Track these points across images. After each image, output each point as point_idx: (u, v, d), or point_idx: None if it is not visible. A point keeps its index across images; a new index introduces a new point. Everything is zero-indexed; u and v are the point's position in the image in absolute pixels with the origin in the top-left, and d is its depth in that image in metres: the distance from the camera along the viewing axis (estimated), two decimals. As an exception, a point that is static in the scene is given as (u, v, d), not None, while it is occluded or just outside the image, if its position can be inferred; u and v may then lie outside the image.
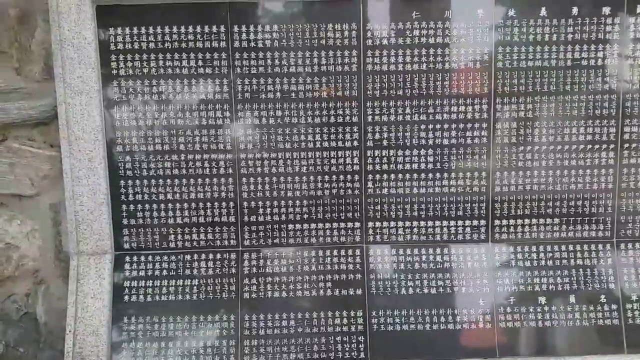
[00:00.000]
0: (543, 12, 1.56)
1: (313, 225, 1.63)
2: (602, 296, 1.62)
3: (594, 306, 1.61)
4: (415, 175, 1.61)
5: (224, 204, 1.62)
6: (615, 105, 1.59)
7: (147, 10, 1.55)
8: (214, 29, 1.57)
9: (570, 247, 1.63)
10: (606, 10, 1.56)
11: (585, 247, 1.63)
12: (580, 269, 1.63)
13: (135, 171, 1.60)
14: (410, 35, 1.56)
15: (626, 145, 1.60)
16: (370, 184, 1.62)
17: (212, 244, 1.63)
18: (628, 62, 1.57)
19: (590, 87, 1.58)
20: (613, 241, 1.63)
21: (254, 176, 1.61)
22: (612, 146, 1.61)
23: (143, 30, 1.56)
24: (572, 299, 1.61)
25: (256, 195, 1.62)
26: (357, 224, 1.63)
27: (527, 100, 1.59)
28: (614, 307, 1.61)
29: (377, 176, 1.61)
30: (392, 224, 1.63)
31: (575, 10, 1.55)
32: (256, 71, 1.58)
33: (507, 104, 1.59)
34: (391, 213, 1.63)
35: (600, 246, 1.63)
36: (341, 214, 1.62)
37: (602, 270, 1.62)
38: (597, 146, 1.60)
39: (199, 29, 1.56)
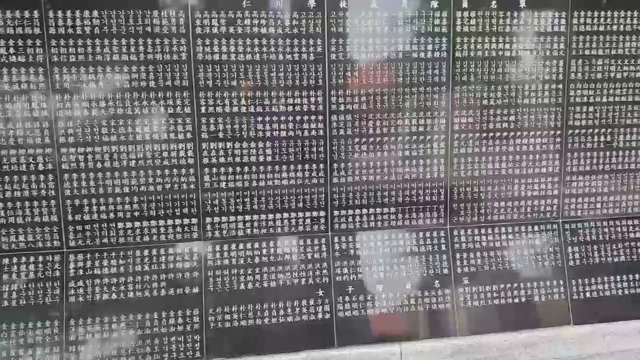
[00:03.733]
0: (374, 4, 1.57)
1: (145, 223, 1.54)
2: (437, 282, 1.69)
3: (429, 292, 1.68)
4: (253, 168, 1.58)
5: (44, 202, 1.50)
6: (445, 97, 1.65)
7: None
8: (27, 13, 1.43)
9: (407, 235, 1.69)
10: (434, 3, 1.61)
11: (421, 234, 1.69)
12: (416, 256, 1.69)
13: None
14: (242, 24, 1.52)
15: (456, 135, 1.68)
16: (206, 178, 1.57)
17: (33, 245, 1.50)
18: (457, 55, 1.63)
19: (421, 80, 1.63)
20: (447, 228, 1.71)
21: (78, 172, 1.50)
22: (442, 137, 1.67)
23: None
24: (408, 285, 1.67)
25: (81, 192, 1.51)
26: (195, 220, 1.57)
27: (361, 92, 1.60)
28: (447, 291, 1.69)
29: (214, 169, 1.57)
30: (232, 218, 1.59)
31: (404, 2, 1.59)
32: (76, 59, 1.46)
33: (342, 96, 1.60)
34: (230, 207, 1.59)
35: (434, 233, 1.70)
36: (176, 210, 1.56)
37: (437, 256, 1.70)
38: (429, 137, 1.66)
39: (9, 14, 1.42)
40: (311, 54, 1.56)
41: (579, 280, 1.75)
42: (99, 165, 1.50)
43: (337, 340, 1.61)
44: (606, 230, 1.78)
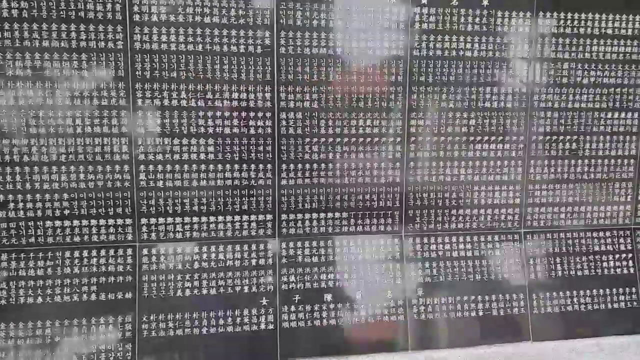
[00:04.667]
0: (327, -4, 1.49)
1: (76, 222, 1.44)
2: (389, 292, 1.60)
3: (380, 302, 1.59)
4: (194, 167, 1.48)
5: (-37, 197, 1.39)
6: (401, 98, 1.56)
7: None
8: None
9: (359, 242, 1.60)
10: (393, -1, 1.53)
11: (374, 241, 1.60)
12: (369, 264, 1.60)
13: None
14: (184, 12, 1.42)
15: (412, 138, 1.59)
16: (142, 176, 1.46)
17: (-50, 244, 1.40)
18: (414, 54, 1.55)
19: (376, 78, 1.55)
20: (402, 235, 1.62)
21: (2, 166, 1.39)
22: (399, 139, 1.59)
23: None
24: (358, 295, 1.58)
25: (5, 187, 1.40)
26: (129, 220, 1.47)
27: (313, 89, 1.51)
28: (400, 302, 1.60)
29: (151, 167, 1.46)
30: (169, 220, 1.49)
31: (360, -4, 1.50)
32: (1, 44, 1.36)
33: (292, 92, 1.51)
34: (167, 208, 1.48)
35: (389, 241, 1.61)
36: (109, 209, 1.45)
37: (391, 265, 1.61)
38: (383, 139, 1.57)
39: None
40: (259, 47, 1.47)
41: (540, 294, 1.66)
42: (25, 159, 1.40)
43: (280, 352, 1.51)
44: (570, 242, 1.70)
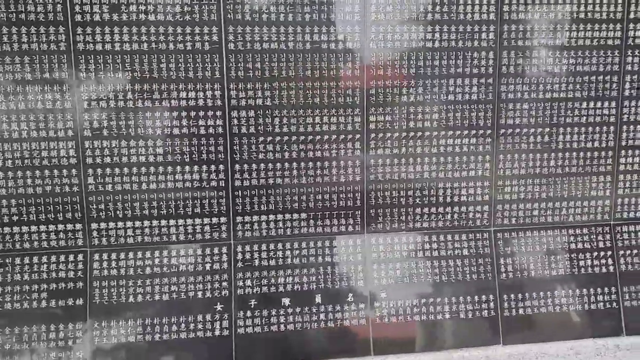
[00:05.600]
0: (277, -11, 1.43)
1: (25, 228, 1.41)
2: (350, 295, 1.54)
3: (341, 306, 1.53)
4: (143, 169, 1.44)
5: None
6: (359, 93, 1.50)
7: None
8: None
9: (319, 244, 1.54)
10: (346, -11, 1.45)
11: (334, 242, 1.54)
12: (329, 267, 1.54)
13: None
14: (127, 10, 1.38)
15: (372, 135, 1.52)
16: (91, 180, 1.43)
17: None
18: (371, 46, 1.48)
19: (332, 73, 1.48)
20: (364, 236, 1.56)
21: (-54, 172, 1.38)
22: (358, 136, 1.52)
23: None
24: (318, 299, 1.52)
25: (-50, 194, 1.39)
26: (79, 226, 1.44)
27: (264, 86, 1.46)
28: (361, 306, 1.54)
29: (99, 170, 1.43)
30: (120, 224, 1.45)
31: (312, -12, 1.44)
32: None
33: (243, 90, 1.45)
34: (118, 212, 1.45)
35: (350, 241, 1.55)
36: (58, 214, 1.42)
37: (351, 267, 1.55)
38: (342, 136, 1.51)
39: None
40: (206, 43, 1.41)
41: (511, 295, 1.58)
42: (-31, 165, 1.38)
43: (236, 358, 1.47)
44: (544, 240, 1.62)
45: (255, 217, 1.50)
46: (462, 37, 1.50)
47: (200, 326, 1.46)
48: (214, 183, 1.47)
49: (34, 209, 1.41)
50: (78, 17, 1.36)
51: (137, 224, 1.46)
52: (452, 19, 1.49)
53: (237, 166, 1.47)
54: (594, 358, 1.58)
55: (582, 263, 1.63)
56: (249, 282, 1.50)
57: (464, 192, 1.58)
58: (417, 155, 1.54)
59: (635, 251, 1.65)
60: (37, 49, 1.36)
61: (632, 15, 1.56)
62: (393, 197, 1.55)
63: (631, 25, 1.56)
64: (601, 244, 1.64)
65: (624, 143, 1.62)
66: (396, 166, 1.54)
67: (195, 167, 1.46)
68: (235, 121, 1.45)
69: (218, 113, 1.44)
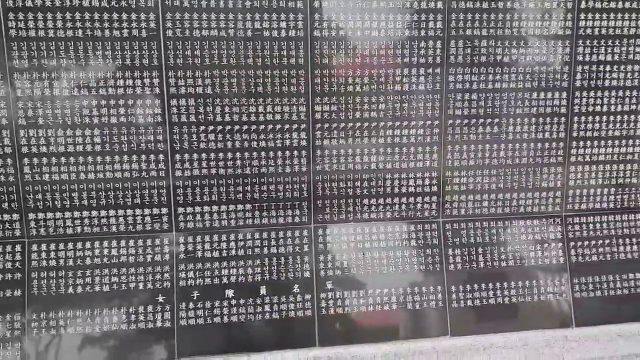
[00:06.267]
0: (217, -26, 1.39)
1: (-41, 219, 1.40)
2: (296, 286, 1.53)
3: (287, 297, 1.52)
4: (80, 159, 1.41)
5: None
6: (304, 82, 1.47)
7: None
8: None
9: (264, 235, 1.52)
10: (289, -24, 1.42)
11: (281, 234, 1.53)
12: (274, 258, 1.52)
13: None
14: (60, -5, 1.34)
15: (318, 125, 1.50)
16: (27, 170, 1.40)
17: None
18: (315, 35, 1.45)
19: (275, 61, 1.45)
20: (311, 227, 1.54)
21: None
22: (303, 126, 1.50)
23: None
24: (262, 290, 1.51)
25: None
26: (16, 216, 1.41)
27: (204, 74, 1.43)
28: (307, 297, 1.53)
29: (35, 160, 1.40)
30: (58, 214, 1.42)
31: (254, -26, 1.40)
32: None
33: (182, 78, 1.42)
34: (56, 202, 1.42)
35: (297, 232, 1.53)
36: (-6, 205, 1.40)
37: (298, 258, 1.53)
38: (287, 126, 1.49)
39: None
40: (143, 30, 1.38)
41: (460, 286, 1.57)
42: None
43: (178, 350, 1.45)
44: (493, 231, 1.60)
45: (198, 208, 1.48)
46: (410, 26, 1.47)
47: (141, 317, 1.44)
48: (153, 173, 1.45)
49: (-32, 199, 1.39)
50: (10, 3, 1.32)
51: (77, 214, 1.43)
52: (398, 7, 1.46)
53: (177, 156, 1.45)
54: (543, 349, 1.57)
55: (532, 254, 1.62)
56: (191, 274, 1.48)
57: (412, 183, 1.56)
58: (364, 145, 1.52)
59: (586, 242, 1.65)
60: (-33, 35, 1.33)
61: (583, 5, 1.53)
62: (340, 187, 1.53)
63: (582, 15, 1.54)
64: (552, 235, 1.63)
65: (574, 134, 1.60)
66: (343, 157, 1.52)
67: (135, 157, 1.43)
68: (175, 110, 1.43)
69: (157, 101, 1.42)
